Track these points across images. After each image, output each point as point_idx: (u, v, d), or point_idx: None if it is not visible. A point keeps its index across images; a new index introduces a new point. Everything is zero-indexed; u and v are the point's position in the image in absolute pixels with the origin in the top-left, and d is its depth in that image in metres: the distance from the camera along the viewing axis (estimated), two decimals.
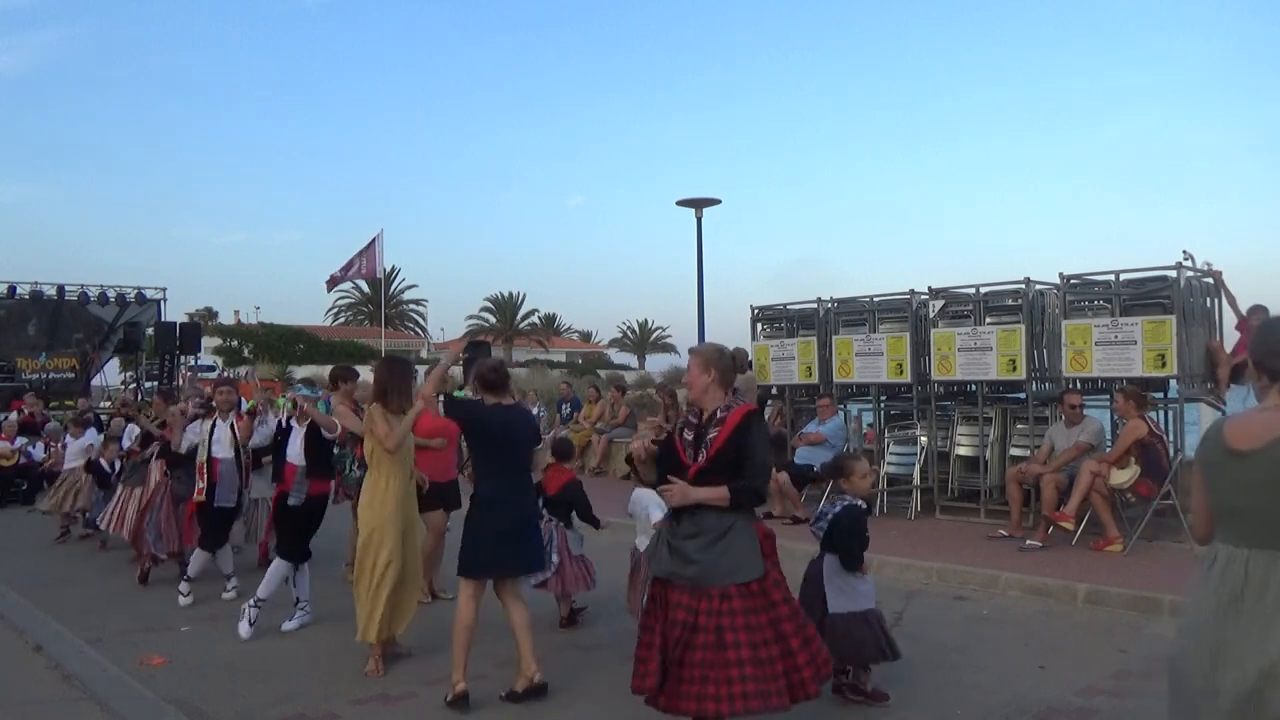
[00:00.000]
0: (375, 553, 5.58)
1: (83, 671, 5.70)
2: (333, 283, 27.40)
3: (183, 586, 7.49)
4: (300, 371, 36.20)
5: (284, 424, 7.56)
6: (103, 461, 10.20)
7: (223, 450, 7.53)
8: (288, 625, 6.61)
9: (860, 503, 5.15)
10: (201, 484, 7.48)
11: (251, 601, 6.48)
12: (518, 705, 4.95)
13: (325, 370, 8.25)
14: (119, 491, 9.14)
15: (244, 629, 6.41)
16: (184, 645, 6.27)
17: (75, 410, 14.88)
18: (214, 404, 7.78)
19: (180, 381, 21.56)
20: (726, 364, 4.27)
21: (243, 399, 9.15)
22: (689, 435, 4.18)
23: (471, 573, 5.06)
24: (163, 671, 5.68)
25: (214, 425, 7.57)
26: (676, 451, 4.18)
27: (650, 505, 5.53)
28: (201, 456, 7.53)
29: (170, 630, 6.66)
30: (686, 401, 4.36)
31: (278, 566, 6.55)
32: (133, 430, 9.87)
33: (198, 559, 7.54)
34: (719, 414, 4.14)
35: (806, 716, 4.70)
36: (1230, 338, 9.62)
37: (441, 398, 5.48)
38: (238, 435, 7.64)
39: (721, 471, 4.01)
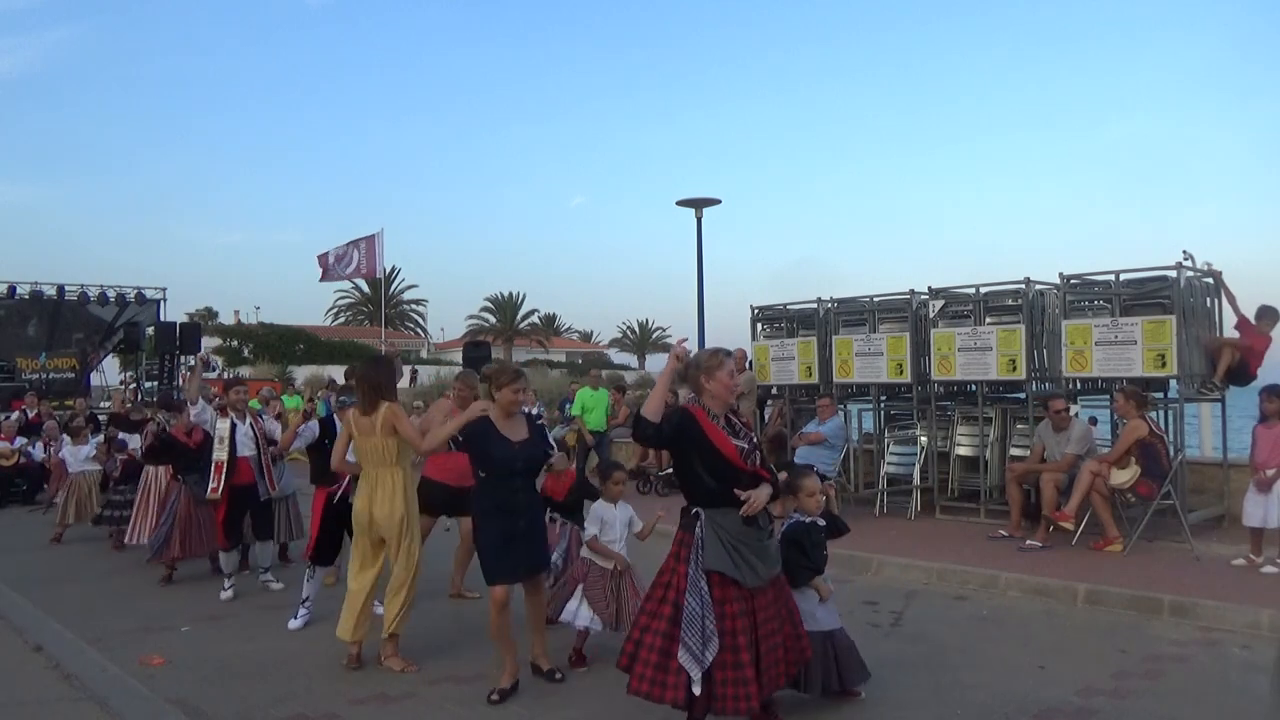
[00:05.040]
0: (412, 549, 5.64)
1: (83, 671, 5.69)
2: (324, 270, 27.09)
3: (269, 576, 7.88)
4: (300, 372, 36.17)
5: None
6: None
7: (249, 448, 7.73)
8: (295, 624, 6.67)
9: (809, 519, 4.99)
10: (215, 483, 7.52)
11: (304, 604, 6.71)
12: (517, 704, 4.95)
13: (326, 370, 8.28)
14: (138, 501, 9.20)
15: (294, 625, 6.63)
16: (184, 645, 6.26)
17: (72, 412, 14.86)
18: (224, 404, 7.87)
19: (180, 382, 21.55)
20: None
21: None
22: (744, 445, 4.29)
23: (501, 578, 5.09)
24: (163, 671, 5.67)
25: (233, 424, 7.64)
26: (737, 465, 4.22)
27: (604, 518, 5.66)
28: (220, 455, 7.57)
29: (170, 630, 6.66)
30: (717, 403, 4.33)
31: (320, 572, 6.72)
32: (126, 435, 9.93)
33: (265, 551, 7.90)
34: (738, 421, 4.38)
35: (804, 717, 4.70)
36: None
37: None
38: (258, 434, 7.83)
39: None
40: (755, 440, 4.38)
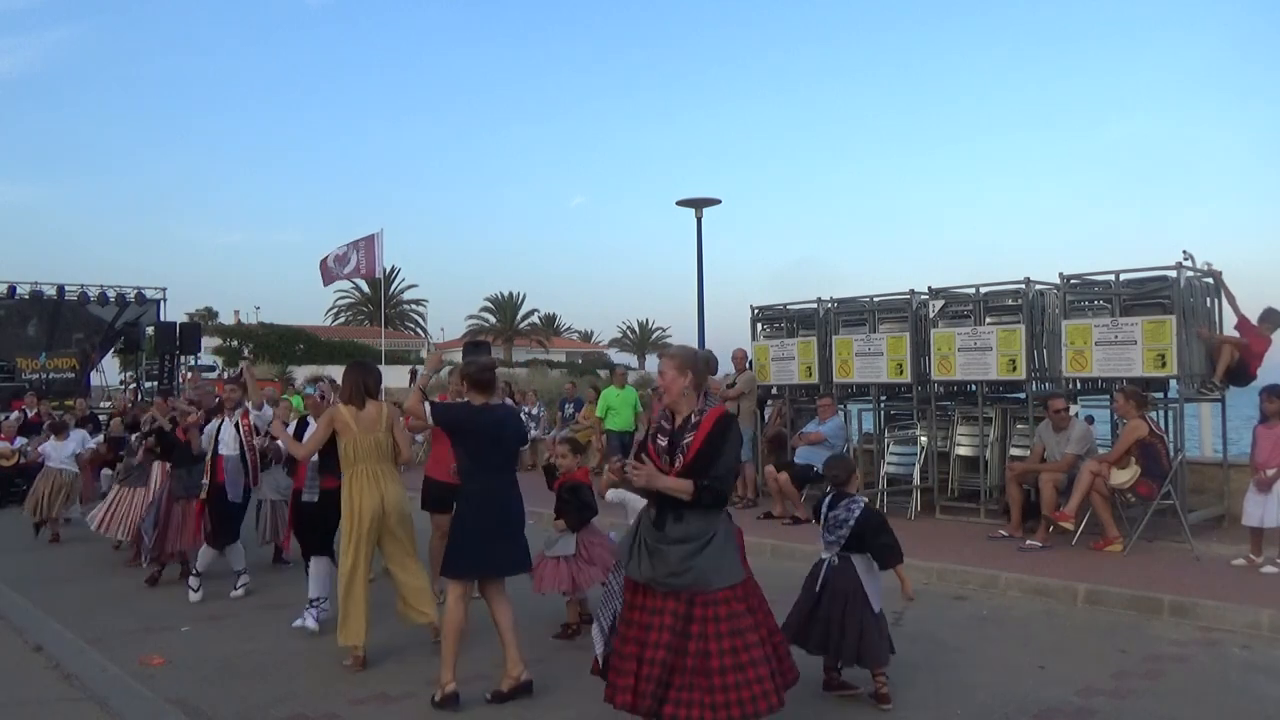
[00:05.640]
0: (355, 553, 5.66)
1: (83, 671, 5.69)
2: (325, 272, 26.90)
3: (192, 582, 7.63)
4: (300, 372, 36.15)
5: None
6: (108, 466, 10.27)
7: (227, 448, 7.55)
8: (300, 622, 6.62)
9: (864, 499, 5.18)
10: (206, 481, 7.55)
11: (310, 602, 6.55)
12: (515, 705, 4.94)
13: (326, 370, 8.29)
14: (113, 492, 9.17)
15: (310, 623, 6.46)
16: (184, 645, 6.27)
17: (64, 411, 14.87)
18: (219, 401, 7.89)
19: (180, 381, 21.56)
20: (701, 367, 4.23)
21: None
22: (663, 442, 4.10)
23: (458, 573, 5.00)
24: (163, 671, 5.67)
25: (220, 424, 7.64)
26: (651, 460, 4.05)
27: (631, 501, 5.81)
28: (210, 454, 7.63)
29: (170, 630, 6.66)
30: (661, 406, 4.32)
31: (318, 564, 6.58)
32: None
33: (205, 555, 7.63)
34: (694, 419, 4.07)
35: (808, 716, 4.70)
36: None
37: (428, 404, 5.32)
38: (242, 432, 7.67)
39: (696, 475, 3.94)
40: (688, 440, 3.99)
